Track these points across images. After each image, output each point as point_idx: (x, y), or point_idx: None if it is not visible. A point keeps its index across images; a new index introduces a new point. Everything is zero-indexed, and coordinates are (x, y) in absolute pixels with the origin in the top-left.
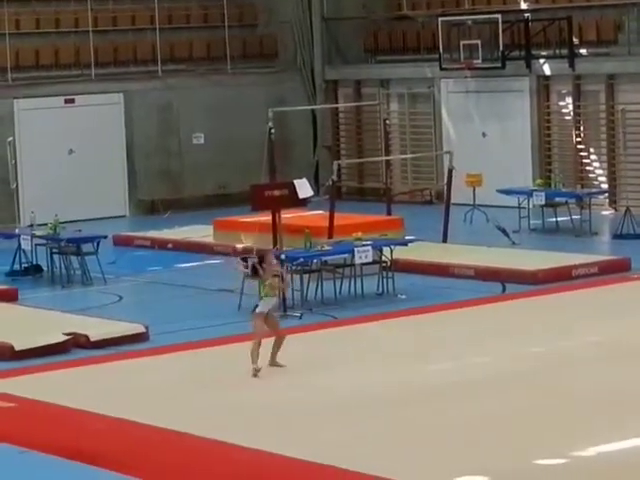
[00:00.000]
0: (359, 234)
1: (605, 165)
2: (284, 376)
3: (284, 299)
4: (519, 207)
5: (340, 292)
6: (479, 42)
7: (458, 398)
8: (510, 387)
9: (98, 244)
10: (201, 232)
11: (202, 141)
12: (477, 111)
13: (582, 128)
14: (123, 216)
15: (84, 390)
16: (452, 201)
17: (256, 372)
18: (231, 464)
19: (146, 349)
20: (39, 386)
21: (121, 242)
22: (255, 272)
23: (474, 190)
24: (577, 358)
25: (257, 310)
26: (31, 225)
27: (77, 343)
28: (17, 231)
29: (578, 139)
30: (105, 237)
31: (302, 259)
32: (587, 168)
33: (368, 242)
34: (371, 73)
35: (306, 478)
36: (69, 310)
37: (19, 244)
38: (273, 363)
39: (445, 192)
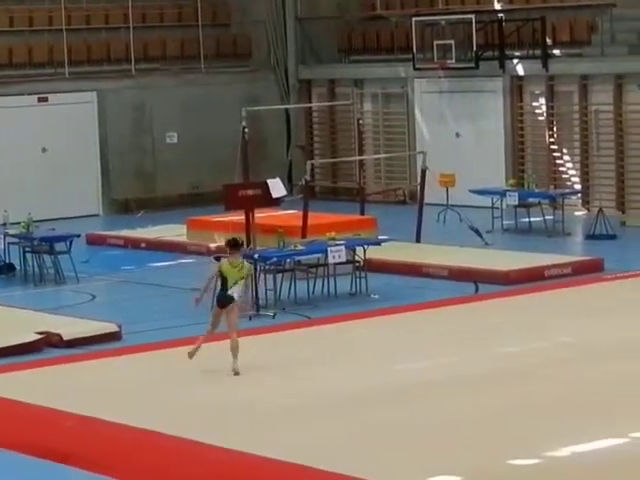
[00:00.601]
0: (332, 234)
1: (578, 166)
2: (257, 375)
3: (257, 299)
4: (492, 207)
5: (313, 292)
6: (453, 42)
7: (431, 398)
8: (482, 387)
9: (71, 243)
10: (174, 231)
11: (175, 140)
12: (450, 111)
13: (555, 129)
14: (96, 215)
15: (57, 389)
16: (425, 201)
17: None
18: (204, 464)
19: (119, 348)
20: (11, 385)
21: (94, 241)
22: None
23: (447, 190)
24: (549, 358)
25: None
26: (4, 224)
27: (50, 342)
28: None
29: (551, 139)
30: (78, 236)
31: (275, 259)
32: (560, 169)
33: (341, 242)
34: (345, 73)
35: (280, 478)
36: (42, 309)
37: None
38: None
39: (418, 192)
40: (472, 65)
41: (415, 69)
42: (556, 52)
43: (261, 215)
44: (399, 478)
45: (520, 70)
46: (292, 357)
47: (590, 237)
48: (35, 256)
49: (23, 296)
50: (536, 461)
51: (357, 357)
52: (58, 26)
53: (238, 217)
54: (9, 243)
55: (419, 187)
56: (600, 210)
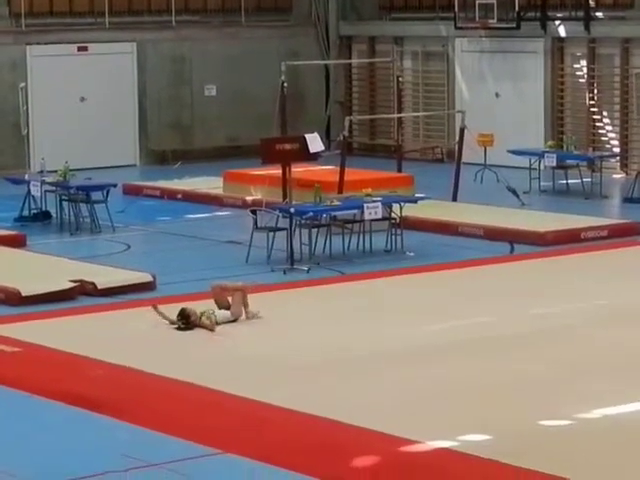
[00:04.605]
0: (369, 190)
1: (617, 129)
2: (288, 329)
3: (292, 253)
4: (530, 168)
5: (348, 247)
6: (495, 2)
7: (464, 358)
8: (516, 348)
9: (107, 192)
10: (211, 184)
11: (214, 93)
12: (491, 71)
13: (596, 91)
14: (133, 165)
15: (89, 337)
16: (463, 160)
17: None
18: (231, 415)
19: (153, 298)
20: (45, 332)
21: (131, 191)
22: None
23: (485, 150)
24: (585, 320)
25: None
26: (41, 171)
27: (84, 290)
28: (27, 177)
29: (591, 102)
30: (115, 186)
31: (311, 213)
32: (599, 131)
33: (378, 198)
34: (385, 30)
35: (304, 430)
36: (77, 257)
37: (28, 190)
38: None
39: (456, 151)
40: (513, 25)
41: (456, 28)
42: (599, 14)
43: (298, 170)
44: (429, 436)
45: (562, 32)
46: (325, 312)
47: (628, 200)
48: (71, 205)
49: (58, 244)
50: (567, 422)
51: (390, 314)
52: None
53: (275, 171)
54: (46, 191)
55: (457, 146)
56: (638, 173)
